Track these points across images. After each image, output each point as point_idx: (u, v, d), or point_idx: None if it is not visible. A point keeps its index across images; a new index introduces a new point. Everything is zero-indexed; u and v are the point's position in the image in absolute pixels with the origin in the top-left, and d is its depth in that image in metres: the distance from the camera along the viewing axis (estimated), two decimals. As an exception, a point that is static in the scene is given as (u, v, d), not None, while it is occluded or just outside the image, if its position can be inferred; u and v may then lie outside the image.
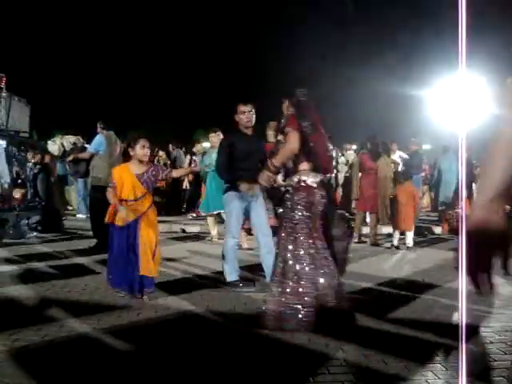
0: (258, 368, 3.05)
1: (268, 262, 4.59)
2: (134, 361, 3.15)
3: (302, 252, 3.78)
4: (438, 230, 10.11)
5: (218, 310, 4.21)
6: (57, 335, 3.52)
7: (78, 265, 6.11)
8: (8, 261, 6.22)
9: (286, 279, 3.75)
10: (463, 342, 1.95)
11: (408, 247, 7.76)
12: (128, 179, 4.60)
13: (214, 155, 6.27)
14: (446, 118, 12.34)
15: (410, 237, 7.84)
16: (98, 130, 7.49)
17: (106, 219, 4.66)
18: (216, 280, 5.37)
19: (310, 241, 3.81)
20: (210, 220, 8.09)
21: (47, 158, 10.22)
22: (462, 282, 2.22)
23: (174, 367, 3.06)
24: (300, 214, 3.84)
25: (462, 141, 2.19)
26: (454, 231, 9.17)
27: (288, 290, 3.72)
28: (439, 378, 2.90)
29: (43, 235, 8.52)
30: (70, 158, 8.05)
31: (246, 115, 5.15)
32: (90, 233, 7.50)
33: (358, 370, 3.02)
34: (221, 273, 5.77)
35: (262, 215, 5.07)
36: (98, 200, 7.23)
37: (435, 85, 13.69)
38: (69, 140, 8.98)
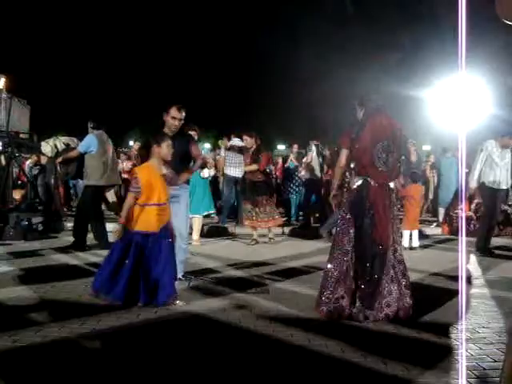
0: (257, 368, 3.05)
1: None
2: (134, 362, 3.14)
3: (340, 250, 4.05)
4: (438, 230, 10.11)
5: (218, 310, 4.21)
6: (57, 336, 3.51)
7: (79, 266, 6.11)
8: (8, 262, 6.21)
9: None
10: (463, 342, 1.95)
11: (414, 247, 7.77)
12: (157, 180, 4.28)
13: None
14: (446, 119, 12.36)
15: (416, 236, 7.86)
16: (89, 129, 7.44)
17: (122, 221, 4.25)
18: (215, 280, 5.37)
19: (347, 242, 4.03)
20: (196, 223, 8.04)
21: (43, 159, 10.19)
22: (462, 283, 2.22)
23: (174, 368, 3.06)
24: (344, 213, 4.12)
25: (461, 141, 2.19)
26: (455, 232, 9.18)
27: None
28: (439, 379, 2.89)
29: (44, 236, 8.51)
30: (59, 159, 7.97)
31: (177, 123, 5.02)
32: (91, 234, 7.47)
33: (358, 370, 3.02)
34: (220, 273, 5.77)
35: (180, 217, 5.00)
36: (89, 199, 7.23)
37: (435, 85, 13.70)
38: (62, 141, 8.92)
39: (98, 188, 7.30)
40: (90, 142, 7.22)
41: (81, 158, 7.32)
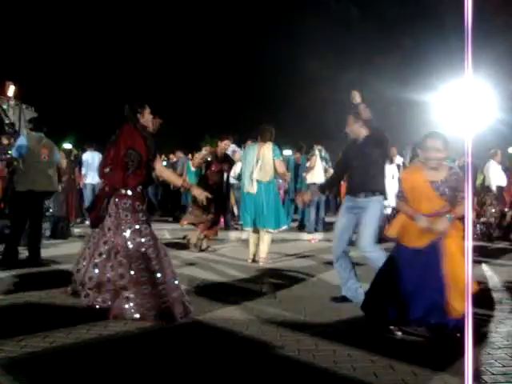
0: (263, 374, 3.05)
1: None
2: (140, 367, 3.15)
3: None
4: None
5: (224, 315, 4.21)
6: (64, 341, 3.52)
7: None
8: (15, 267, 6.22)
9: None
10: (470, 347, 1.94)
11: None
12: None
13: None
14: (452, 123, 12.32)
15: None
16: (27, 131, 6.93)
17: (390, 233, 3.82)
18: (225, 285, 5.37)
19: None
20: (266, 238, 6.94)
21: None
22: (468, 287, 2.22)
23: (180, 371, 3.06)
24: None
25: (468, 146, 2.19)
26: None
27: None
28: (447, 384, 2.88)
29: (51, 241, 8.54)
30: (7, 170, 7.66)
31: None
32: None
33: (366, 375, 3.01)
34: (232, 278, 5.75)
35: None
36: (18, 208, 6.65)
37: (441, 89, 13.67)
38: None
39: (24, 194, 6.54)
40: (21, 145, 6.62)
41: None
